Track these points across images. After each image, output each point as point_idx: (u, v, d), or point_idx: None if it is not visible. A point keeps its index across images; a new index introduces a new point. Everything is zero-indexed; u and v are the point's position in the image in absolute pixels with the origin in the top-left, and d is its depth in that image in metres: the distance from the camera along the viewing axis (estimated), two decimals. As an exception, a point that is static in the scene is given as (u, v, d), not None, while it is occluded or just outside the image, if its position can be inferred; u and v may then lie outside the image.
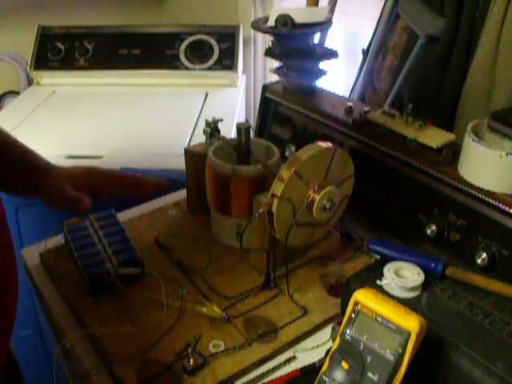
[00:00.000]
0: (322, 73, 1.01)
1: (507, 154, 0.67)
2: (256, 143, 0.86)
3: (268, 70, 1.87)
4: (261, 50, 1.88)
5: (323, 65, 1.01)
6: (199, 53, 1.70)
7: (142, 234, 0.88)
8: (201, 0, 2.00)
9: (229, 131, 1.29)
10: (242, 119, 1.66)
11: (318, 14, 0.95)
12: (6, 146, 0.79)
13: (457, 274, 0.66)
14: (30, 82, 1.85)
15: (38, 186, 0.80)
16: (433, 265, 0.66)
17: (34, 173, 0.80)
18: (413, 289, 0.64)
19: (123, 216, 0.93)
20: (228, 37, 1.72)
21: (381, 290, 0.64)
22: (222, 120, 0.89)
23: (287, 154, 1.00)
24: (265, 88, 1.06)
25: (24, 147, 0.81)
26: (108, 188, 0.85)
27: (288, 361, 0.67)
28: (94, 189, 0.83)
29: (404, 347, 0.52)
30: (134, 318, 0.71)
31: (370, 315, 0.55)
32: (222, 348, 0.66)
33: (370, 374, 0.53)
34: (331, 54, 0.99)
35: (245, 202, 0.79)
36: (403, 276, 0.64)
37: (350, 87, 1.38)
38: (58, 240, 0.86)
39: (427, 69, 1.10)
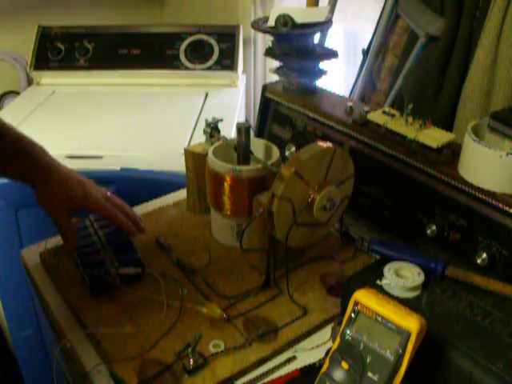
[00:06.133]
0: (322, 73, 1.01)
1: (507, 154, 0.67)
2: (256, 143, 0.86)
3: (268, 70, 1.87)
4: (261, 50, 1.88)
5: (323, 65, 1.01)
6: (199, 53, 1.70)
7: (142, 234, 0.88)
8: (201, 0, 2.00)
9: (229, 131, 1.29)
10: (242, 119, 1.66)
11: (317, 14, 0.95)
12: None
13: (457, 273, 0.66)
14: (29, 82, 1.85)
15: (33, 184, 0.80)
16: (433, 265, 0.66)
17: (31, 171, 0.80)
18: (413, 289, 0.64)
19: (123, 216, 0.93)
20: (228, 37, 1.72)
21: (381, 290, 0.64)
22: (222, 120, 0.89)
23: (287, 154, 1.00)
24: (265, 88, 1.06)
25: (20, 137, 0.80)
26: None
27: (288, 361, 0.67)
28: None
29: (404, 347, 0.52)
30: (134, 317, 0.71)
31: (370, 315, 0.55)
32: (222, 348, 0.66)
33: (370, 374, 0.53)
34: (331, 54, 0.99)
35: (245, 201, 0.79)
36: (403, 276, 0.64)
37: (350, 87, 1.38)
38: (57, 240, 0.86)
39: (427, 69, 1.10)
